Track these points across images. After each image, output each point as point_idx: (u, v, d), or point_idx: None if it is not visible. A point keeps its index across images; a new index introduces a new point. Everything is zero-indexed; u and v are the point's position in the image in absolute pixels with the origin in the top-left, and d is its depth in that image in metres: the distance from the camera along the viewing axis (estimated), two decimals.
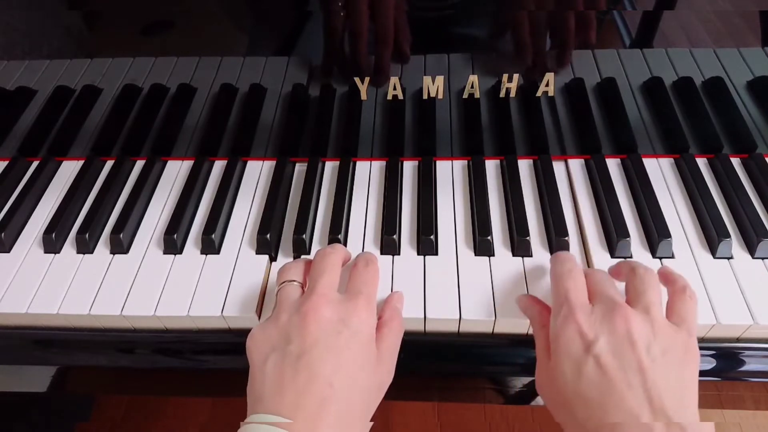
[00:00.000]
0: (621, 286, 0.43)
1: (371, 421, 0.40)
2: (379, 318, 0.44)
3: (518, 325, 0.47)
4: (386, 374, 0.42)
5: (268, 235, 0.52)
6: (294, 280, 0.43)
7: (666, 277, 0.43)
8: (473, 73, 0.55)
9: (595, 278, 0.42)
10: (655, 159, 0.60)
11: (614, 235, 0.51)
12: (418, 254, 0.52)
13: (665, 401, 0.34)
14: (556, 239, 0.51)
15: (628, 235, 0.50)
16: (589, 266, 0.51)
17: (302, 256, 0.52)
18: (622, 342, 0.36)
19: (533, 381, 0.43)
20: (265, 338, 0.39)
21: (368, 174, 0.60)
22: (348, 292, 0.42)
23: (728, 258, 0.50)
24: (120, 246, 0.53)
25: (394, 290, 0.48)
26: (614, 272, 0.45)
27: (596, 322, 0.38)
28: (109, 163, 0.63)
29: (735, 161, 0.59)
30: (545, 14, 0.51)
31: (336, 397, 0.36)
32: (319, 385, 0.36)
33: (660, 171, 0.59)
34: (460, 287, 0.48)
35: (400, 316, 0.45)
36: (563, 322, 0.38)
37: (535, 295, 0.46)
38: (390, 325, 0.43)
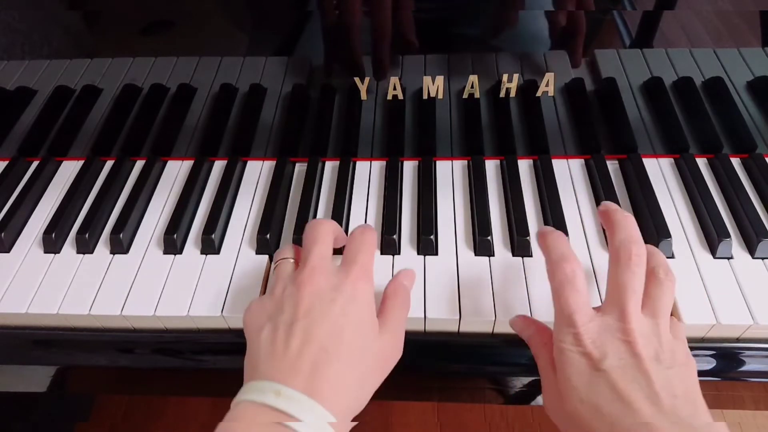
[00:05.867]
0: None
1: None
2: (384, 293, 0.44)
3: None
4: (391, 346, 0.41)
5: (268, 235, 0.52)
6: (289, 257, 0.44)
7: None
8: (473, 73, 0.55)
9: (615, 274, 0.39)
10: (655, 159, 0.60)
11: None
12: (418, 254, 0.52)
13: (678, 407, 0.34)
14: None
15: None
16: (592, 267, 0.50)
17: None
18: (629, 357, 0.36)
19: (533, 381, 0.43)
20: (261, 309, 0.40)
21: (368, 174, 0.60)
22: (343, 262, 0.42)
23: (728, 258, 0.50)
24: (120, 246, 0.53)
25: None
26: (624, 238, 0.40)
27: (603, 341, 0.37)
28: (109, 163, 0.63)
29: (735, 161, 0.59)
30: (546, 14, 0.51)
31: (330, 360, 0.36)
32: (313, 348, 0.36)
33: (660, 171, 0.59)
34: (460, 287, 0.48)
35: (406, 291, 0.44)
36: (570, 346, 0.37)
37: (527, 315, 0.45)
38: (393, 299, 0.43)
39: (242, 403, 0.35)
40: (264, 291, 0.50)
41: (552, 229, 0.42)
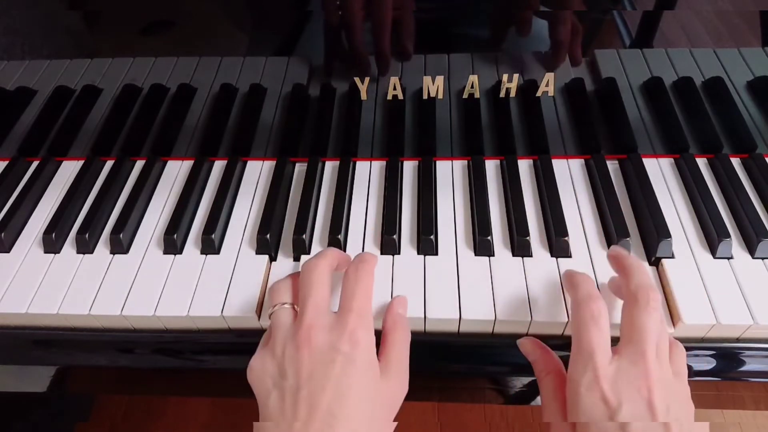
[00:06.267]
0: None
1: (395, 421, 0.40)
2: (383, 327, 0.44)
3: (518, 325, 0.47)
4: (396, 387, 0.41)
5: (268, 235, 0.52)
6: (285, 303, 0.42)
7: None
8: (473, 73, 0.55)
9: (632, 316, 0.40)
10: (655, 159, 0.60)
11: (614, 234, 0.51)
12: (418, 254, 0.52)
13: None
14: (556, 239, 0.51)
15: (628, 235, 0.50)
16: (592, 267, 0.50)
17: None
18: (644, 409, 0.37)
19: (533, 381, 0.43)
20: (264, 373, 0.40)
21: (368, 174, 0.60)
22: (340, 309, 0.41)
23: (728, 258, 0.50)
24: (120, 246, 0.53)
25: (394, 291, 0.48)
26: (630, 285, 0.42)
27: (620, 386, 0.37)
28: (109, 163, 0.63)
29: (735, 161, 0.59)
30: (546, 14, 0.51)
31: (339, 424, 0.37)
32: (320, 415, 0.37)
33: (660, 171, 0.59)
34: (460, 287, 0.48)
35: (404, 322, 0.45)
36: (587, 388, 0.38)
37: (536, 339, 0.46)
38: (393, 335, 0.43)
39: None
40: (264, 292, 0.50)
41: (578, 271, 0.44)
